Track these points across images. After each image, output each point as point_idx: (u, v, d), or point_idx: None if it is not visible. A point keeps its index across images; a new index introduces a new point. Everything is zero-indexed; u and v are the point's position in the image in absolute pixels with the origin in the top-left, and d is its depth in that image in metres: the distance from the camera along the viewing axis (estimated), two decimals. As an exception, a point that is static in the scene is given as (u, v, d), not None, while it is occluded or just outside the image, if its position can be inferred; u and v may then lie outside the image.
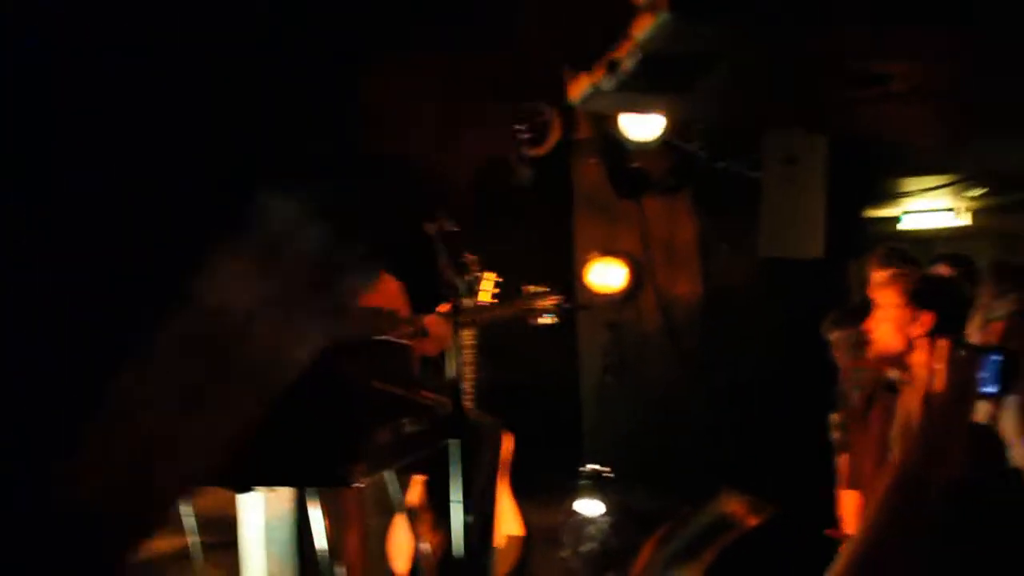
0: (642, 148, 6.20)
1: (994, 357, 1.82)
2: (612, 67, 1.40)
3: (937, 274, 3.96)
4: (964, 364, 1.81)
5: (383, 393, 2.62)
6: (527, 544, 4.74)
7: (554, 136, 6.25)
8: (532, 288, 4.32)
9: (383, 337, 2.77)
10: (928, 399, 1.83)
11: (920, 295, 3.43)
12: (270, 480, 2.55)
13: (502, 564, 4.52)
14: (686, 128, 6.33)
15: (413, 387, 2.86)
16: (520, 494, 4.86)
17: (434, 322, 3.79)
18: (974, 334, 2.08)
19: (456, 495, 3.06)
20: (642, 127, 6.09)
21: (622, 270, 6.66)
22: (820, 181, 5.65)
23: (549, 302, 4.33)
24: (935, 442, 1.81)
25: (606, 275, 6.65)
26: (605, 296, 6.67)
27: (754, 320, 6.51)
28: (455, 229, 3.31)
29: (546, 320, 4.33)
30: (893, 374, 4.36)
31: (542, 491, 5.27)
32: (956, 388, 1.81)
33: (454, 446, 3.00)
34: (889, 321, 3.53)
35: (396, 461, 2.75)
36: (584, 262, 6.67)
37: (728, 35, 1.45)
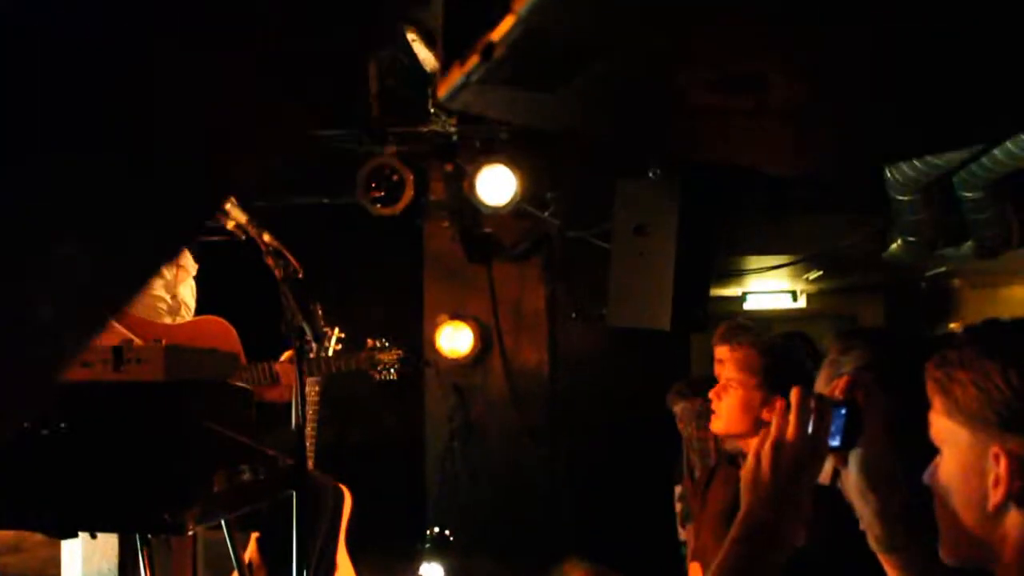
0: (495, 212, 6.23)
1: (840, 410, 1.83)
2: (487, 52, 1.34)
3: (787, 349, 3.96)
4: (815, 414, 1.81)
5: (220, 437, 2.49)
6: (364, 609, 4.59)
7: (407, 196, 6.22)
8: (375, 342, 4.26)
9: (220, 379, 2.65)
10: (779, 447, 1.82)
11: (771, 379, 3.42)
12: (95, 524, 2.39)
13: (337, 629, 4.36)
14: (540, 195, 6.40)
15: (251, 434, 2.74)
16: (359, 557, 4.72)
17: (285, 369, 3.70)
18: (821, 389, 2.09)
19: (294, 551, 2.92)
20: (496, 191, 6.13)
21: (470, 334, 6.63)
22: (669, 252, 5.73)
23: (392, 355, 4.27)
24: (786, 492, 1.80)
25: (454, 339, 6.61)
26: (453, 360, 6.62)
27: (601, 389, 6.55)
28: (300, 276, 3.21)
29: (389, 375, 4.27)
30: (734, 446, 4.42)
31: (382, 554, 5.13)
32: (807, 438, 1.81)
33: (294, 499, 2.87)
34: (735, 400, 3.50)
35: (231, 510, 2.62)
36: (433, 325, 6.61)
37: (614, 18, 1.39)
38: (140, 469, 2.32)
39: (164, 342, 2.47)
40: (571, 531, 6.15)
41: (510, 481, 6.42)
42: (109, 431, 2.35)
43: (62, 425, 2.34)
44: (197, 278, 3.82)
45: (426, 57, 5.45)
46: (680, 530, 6.04)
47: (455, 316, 6.62)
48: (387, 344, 4.29)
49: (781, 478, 1.80)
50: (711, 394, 3.65)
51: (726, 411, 3.46)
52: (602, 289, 6.05)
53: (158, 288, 3.52)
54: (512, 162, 6.14)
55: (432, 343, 6.57)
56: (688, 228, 5.79)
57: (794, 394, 1.84)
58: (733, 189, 6.22)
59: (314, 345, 3.62)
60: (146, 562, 2.60)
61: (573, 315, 6.67)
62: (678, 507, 6.11)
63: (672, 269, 5.72)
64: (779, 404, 1.86)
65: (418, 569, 5.42)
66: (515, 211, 6.35)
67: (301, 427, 2.90)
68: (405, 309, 6.59)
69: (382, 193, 6.22)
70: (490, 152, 6.22)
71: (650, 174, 5.99)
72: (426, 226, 6.80)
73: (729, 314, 8.74)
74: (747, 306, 9.82)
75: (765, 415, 3.35)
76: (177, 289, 3.64)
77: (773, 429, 1.83)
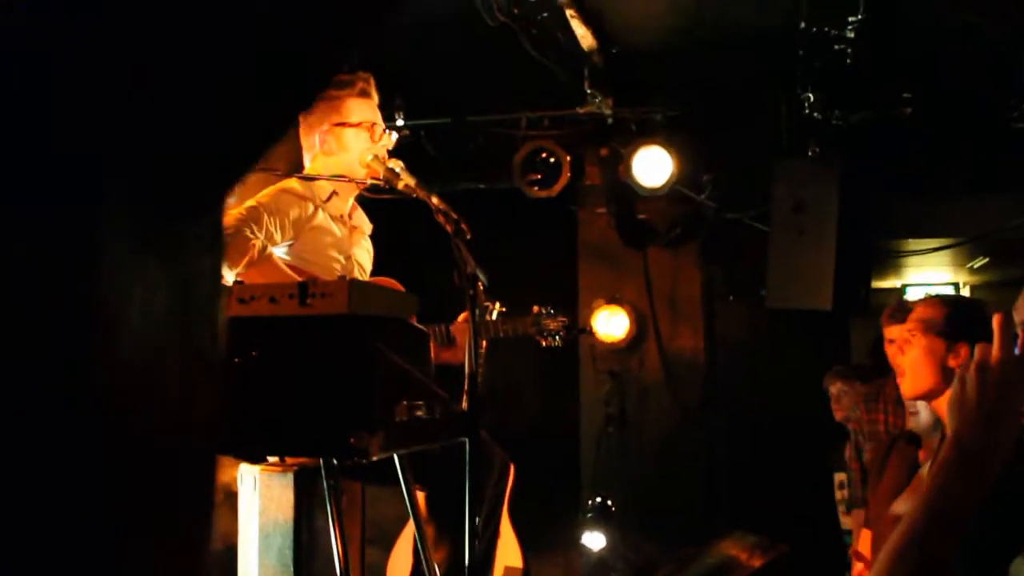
0: (651, 195, 6.20)
1: None
2: None
3: (964, 299, 3.86)
4: (1016, 342, 1.76)
5: (400, 370, 2.52)
6: (526, 576, 4.60)
7: (563, 180, 6.24)
8: (540, 308, 4.28)
9: (400, 317, 2.69)
10: (984, 368, 1.76)
11: (954, 326, 3.33)
12: (284, 449, 2.45)
13: (501, 595, 4.37)
14: (695, 177, 6.34)
15: (428, 374, 2.77)
16: (520, 529, 4.74)
17: (460, 330, 3.75)
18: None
19: (465, 503, 2.94)
20: (652, 173, 6.10)
21: (626, 319, 6.61)
22: (830, 231, 5.62)
23: (557, 323, 4.28)
24: (993, 413, 1.74)
25: (610, 323, 6.59)
26: (608, 345, 6.60)
27: (758, 374, 6.44)
28: (469, 236, 3.24)
29: (553, 341, 4.28)
30: (912, 423, 4.29)
31: (542, 526, 5.14)
32: (1013, 359, 1.75)
33: (466, 446, 2.89)
34: (919, 359, 3.40)
35: (410, 444, 2.65)
36: (588, 309, 6.60)
37: None
38: (326, 397, 2.37)
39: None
40: (728, 514, 6.05)
41: (666, 466, 6.36)
42: (296, 361, 2.41)
43: (253, 354, 2.40)
44: (373, 238, 3.89)
45: (583, 35, 5.46)
46: (842, 519, 5.90)
47: (611, 301, 6.60)
48: (552, 311, 4.29)
49: (988, 399, 1.74)
50: (892, 350, 3.56)
51: (910, 365, 3.36)
52: (759, 271, 5.96)
53: (331, 248, 3.58)
54: (668, 144, 6.10)
55: (588, 325, 6.56)
56: (849, 206, 5.68)
57: (996, 319, 1.78)
58: (894, 167, 6.06)
59: (487, 303, 3.65)
60: (333, 503, 2.64)
61: (730, 298, 6.59)
62: (839, 495, 5.96)
63: (833, 248, 5.61)
64: (977, 344, 1.79)
65: (580, 539, 5.41)
66: (670, 195, 6.31)
67: (475, 375, 2.92)
68: (560, 294, 6.58)
69: (538, 176, 6.26)
70: (646, 135, 6.19)
71: (809, 152, 5.89)
72: (581, 211, 6.80)
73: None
74: (907, 299, 9.53)
75: (951, 362, 3.25)
76: (352, 250, 3.70)
77: (977, 353, 1.78)
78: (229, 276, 3.16)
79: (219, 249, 0.82)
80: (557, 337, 4.28)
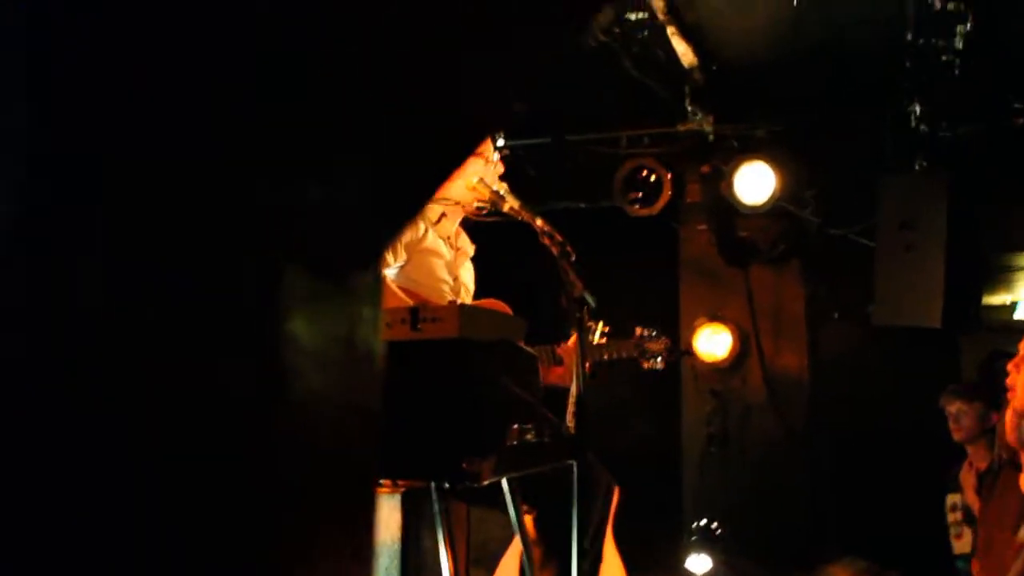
0: (753, 211, 6.15)
1: None
2: None
3: None
4: None
5: (511, 394, 2.54)
6: (631, 599, 4.57)
7: (664, 196, 6.23)
8: (643, 330, 4.27)
9: (510, 340, 2.71)
10: None
11: None
12: (398, 473, 2.48)
13: (606, 617, 4.35)
14: (799, 193, 6.27)
15: (537, 398, 2.78)
16: (624, 551, 4.71)
17: (567, 352, 3.76)
18: None
19: (572, 523, 2.94)
20: (754, 189, 6.05)
21: (728, 337, 6.55)
22: (939, 247, 5.51)
23: (660, 344, 4.26)
24: None
25: (712, 341, 6.55)
26: (710, 364, 6.55)
27: (864, 393, 6.32)
28: (574, 257, 3.25)
29: (656, 364, 4.26)
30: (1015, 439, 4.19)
31: (645, 549, 5.11)
32: None
33: (574, 470, 2.90)
34: None
35: (520, 468, 2.66)
36: (689, 328, 6.56)
37: None
38: (437, 422, 2.39)
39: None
40: (835, 537, 5.95)
41: (770, 486, 6.28)
42: (408, 386, 2.44)
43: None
44: (475, 261, 3.92)
45: (684, 52, 5.45)
46: (954, 542, 5.76)
47: (713, 319, 6.55)
48: (655, 333, 4.28)
49: None
50: (1010, 366, 3.50)
51: (1022, 384, 3.30)
52: (865, 289, 5.88)
53: (441, 270, 3.61)
54: (770, 159, 6.05)
55: (689, 346, 6.51)
56: (958, 221, 5.57)
57: None
58: (1004, 178, 5.92)
59: (591, 324, 3.65)
60: (444, 527, 2.66)
61: (835, 316, 6.49)
62: (951, 517, 5.82)
63: (942, 264, 5.50)
64: None
65: (684, 562, 5.36)
66: (772, 211, 6.25)
67: (582, 398, 2.92)
68: (661, 312, 6.56)
69: (639, 195, 6.26)
70: (747, 151, 6.15)
71: (916, 166, 5.79)
72: (682, 229, 6.77)
73: (998, 323, 8.30)
74: (1018, 315, 9.28)
75: None
76: (458, 271, 3.73)
77: None
78: None
79: (379, 299, 0.85)
80: (659, 359, 4.25)
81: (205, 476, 0.71)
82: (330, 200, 0.75)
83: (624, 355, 4.17)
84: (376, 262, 0.90)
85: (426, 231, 3.60)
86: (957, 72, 5.28)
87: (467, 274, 3.82)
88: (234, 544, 0.74)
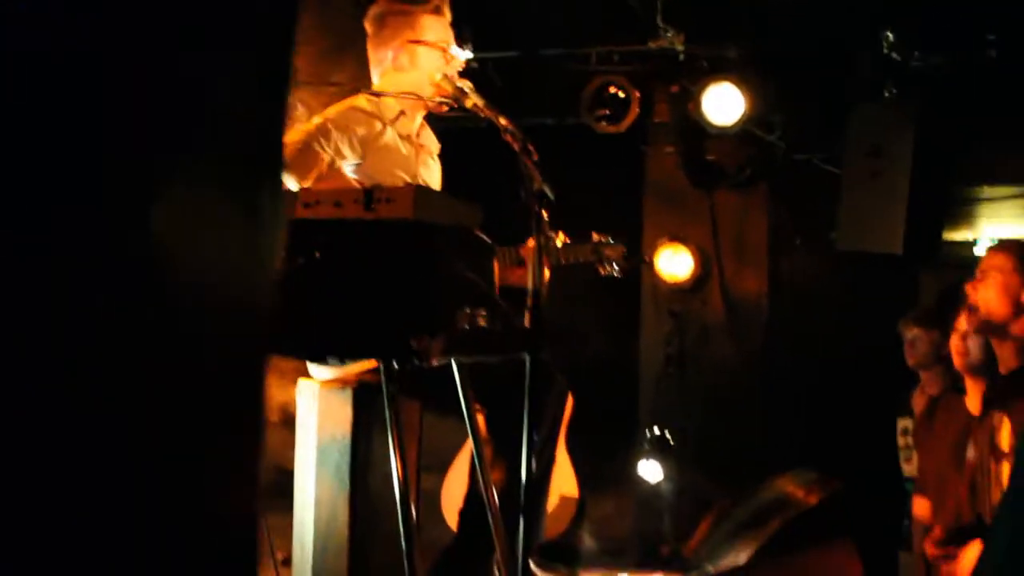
0: (721, 132, 6.11)
1: None
2: None
3: None
4: None
5: (463, 278, 2.53)
6: (580, 506, 4.62)
7: (632, 114, 6.17)
8: (600, 236, 4.26)
9: (465, 226, 2.69)
10: None
11: None
12: (344, 351, 2.47)
13: (556, 523, 4.40)
14: (767, 117, 6.23)
15: (491, 285, 2.77)
16: (576, 462, 4.75)
17: (530, 252, 3.75)
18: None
19: (524, 421, 2.93)
20: (723, 111, 6.01)
21: (690, 259, 6.56)
22: (904, 175, 5.52)
23: (617, 251, 4.26)
24: None
25: (673, 262, 6.55)
26: (671, 284, 6.56)
27: (823, 320, 6.37)
28: (536, 157, 3.22)
29: (612, 270, 4.26)
30: (961, 363, 4.25)
31: (597, 455, 5.16)
32: None
33: (527, 364, 2.89)
34: (996, 287, 3.40)
35: (470, 352, 2.66)
36: (652, 248, 6.56)
37: None
38: (387, 300, 2.38)
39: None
40: (787, 457, 6.02)
41: (725, 408, 6.33)
42: (359, 265, 2.43)
43: (316, 255, 2.41)
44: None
45: (657, -35, 5.37)
46: (904, 465, 5.84)
47: (675, 239, 6.55)
48: (611, 240, 4.27)
49: None
50: (968, 287, 3.53)
51: (987, 300, 3.34)
52: (828, 216, 5.89)
53: (398, 167, 3.58)
54: (740, 81, 6.00)
55: (650, 266, 6.52)
56: (925, 151, 5.57)
57: None
58: (974, 112, 5.92)
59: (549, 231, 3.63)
60: (392, 412, 2.65)
61: (797, 242, 6.51)
62: (901, 441, 5.90)
63: (907, 192, 5.52)
64: None
65: (635, 471, 5.42)
66: (739, 136, 6.21)
67: (538, 291, 2.90)
68: (625, 232, 6.53)
69: (607, 112, 6.20)
70: (717, 72, 6.09)
71: (885, 94, 5.77)
72: (649, 149, 6.74)
73: (958, 259, 8.35)
74: (978, 252, 9.35)
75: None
76: (418, 169, 3.70)
77: None
78: (295, 189, 3.17)
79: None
80: (615, 265, 4.25)
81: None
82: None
83: (581, 259, 4.16)
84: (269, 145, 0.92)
85: (383, 128, 3.57)
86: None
87: (429, 172, 3.79)
88: (117, 441, 0.74)
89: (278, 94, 0.97)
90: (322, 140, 3.36)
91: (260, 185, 0.93)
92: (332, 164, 3.34)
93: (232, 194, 0.90)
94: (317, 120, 3.46)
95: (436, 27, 3.74)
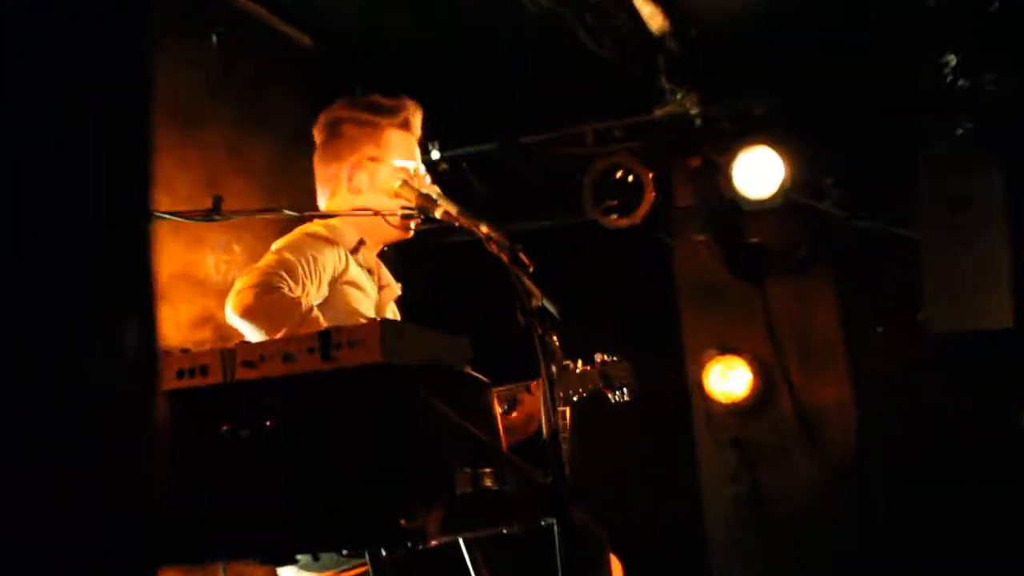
0: (760, 209, 6.12)
1: None
2: None
3: None
4: None
5: (456, 427, 2.47)
6: None
7: (647, 200, 6.18)
8: (604, 356, 4.28)
9: (450, 364, 2.64)
10: None
11: None
12: (317, 543, 2.38)
13: None
14: (815, 180, 6.24)
15: (495, 435, 2.71)
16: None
17: (535, 391, 3.74)
18: None
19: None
20: (758, 181, 6.02)
21: (746, 372, 6.51)
22: (1000, 227, 5.51)
23: (623, 369, 4.28)
24: None
25: (728, 379, 6.50)
26: (727, 406, 6.50)
27: (921, 420, 6.27)
28: (531, 269, 3.20)
29: (622, 396, 4.28)
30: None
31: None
32: None
33: (555, 530, 2.81)
34: None
35: (479, 525, 2.58)
36: (697, 363, 6.51)
37: None
38: (364, 469, 2.31)
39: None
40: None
41: (815, 547, 6.21)
42: (323, 429, 2.36)
43: (267, 424, 2.36)
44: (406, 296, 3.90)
45: (651, 13, 5.44)
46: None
47: (725, 350, 6.51)
48: (616, 358, 4.31)
49: None
50: None
51: None
52: (911, 292, 5.84)
53: (363, 303, 3.57)
54: (775, 141, 6.02)
55: (700, 387, 6.46)
56: (1020, 194, 5.57)
57: None
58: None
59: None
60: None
61: (877, 329, 6.45)
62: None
63: (1007, 248, 5.50)
64: None
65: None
66: (785, 207, 6.21)
67: (556, 433, 2.84)
68: (659, 346, 6.52)
69: (615, 202, 6.22)
70: (745, 134, 6.12)
71: (959, 131, 5.78)
72: (675, 241, 6.74)
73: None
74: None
75: None
76: (383, 311, 3.71)
77: None
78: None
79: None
80: (625, 390, 4.28)
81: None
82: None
83: (590, 387, 4.17)
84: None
85: (347, 262, 3.57)
86: (997, 5, 5.29)
87: (391, 315, 3.79)
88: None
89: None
90: (286, 277, 3.29)
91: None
92: (311, 311, 3.28)
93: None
94: (271, 255, 3.43)
95: (403, 146, 3.80)
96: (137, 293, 0.99)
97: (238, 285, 3.26)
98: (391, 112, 3.79)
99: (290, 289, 3.28)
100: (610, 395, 4.29)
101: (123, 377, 0.98)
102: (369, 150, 3.74)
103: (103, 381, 0.96)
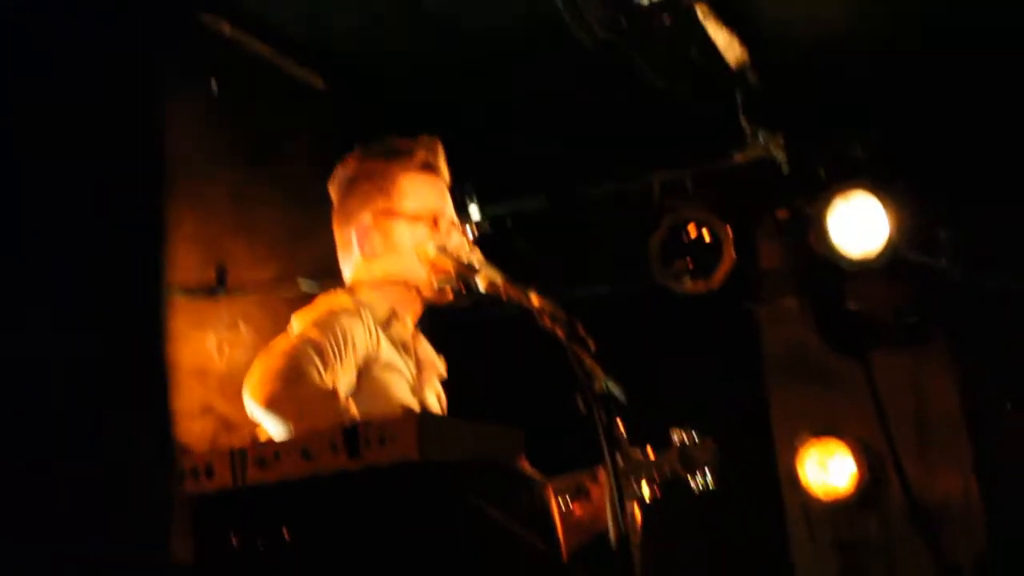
0: (862, 268, 6.10)
1: None
2: None
3: None
4: None
5: (513, 539, 2.48)
6: None
7: (725, 265, 6.18)
8: (681, 433, 4.23)
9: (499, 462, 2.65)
10: None
11: None
12: None
13: None
14: (928, 233, 6.21)
15: (552, 544, 2.72)
16: None
17: (602, 479, 3.72)
18: None
19: None
20: (859, 235, 6.00)
21: (849, 461, 6.47)
22: None
23: (706, 450, 4.25)
24: None
25: (828, 470, 6.47)
26: (828, 502, 6.46)
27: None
28: (592, 347, 3.22)
29: (706, 483, 4.24)
30: None
31: None
32: None
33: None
34: None
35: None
36: (789, 450, 6.48)
37: None
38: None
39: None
40: None
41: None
42: (350, 539, 2.38)
43: (284, 535, 2.38)
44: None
45: (727, 43, 5.46)
46: None
47: (822, 434, 6.48)
48: (696, 436, 4.25)
49: None
50: None
51: None
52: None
53: (401, 389, 3.52)
54: (879, 188, 6.01)
55: (793, 478, 6.43)
56: None
57: None
58: None
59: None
60: None
61: (1007, 408, 6.41)
62: None
63: None
64: None
65: None
66: (892, 267, 6.17)
67: (626, 539, 2.85)
68: (744, 431, 6.49)
69: (688, 264, 6.22)
70: (842, 179, 6.12)
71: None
72: (761, 309, 6.72)
73: None
74: None
75: None
76: (424, 394, 3.67)
77: None
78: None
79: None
80: (708, 474, 4.24)
81: None
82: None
83: (667, 473, 4.14)
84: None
85: (379, 339, 3.50)
86: None
87: (434, 398, 3.75)
88: None
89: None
90: (316, 360, 3.22)
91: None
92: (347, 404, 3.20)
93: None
94: (296, 333, 3.39)
95: (422, 190, 3.73)
96: (154, 387, 1.03)
97: (258, 371, 3.19)
98: (405, 154, 3.74)
99: (320, 375, 3.20)
100: (692, 481, 4.25)
101: (139, 483, 1.01)
102: (379, 202, 3.68)
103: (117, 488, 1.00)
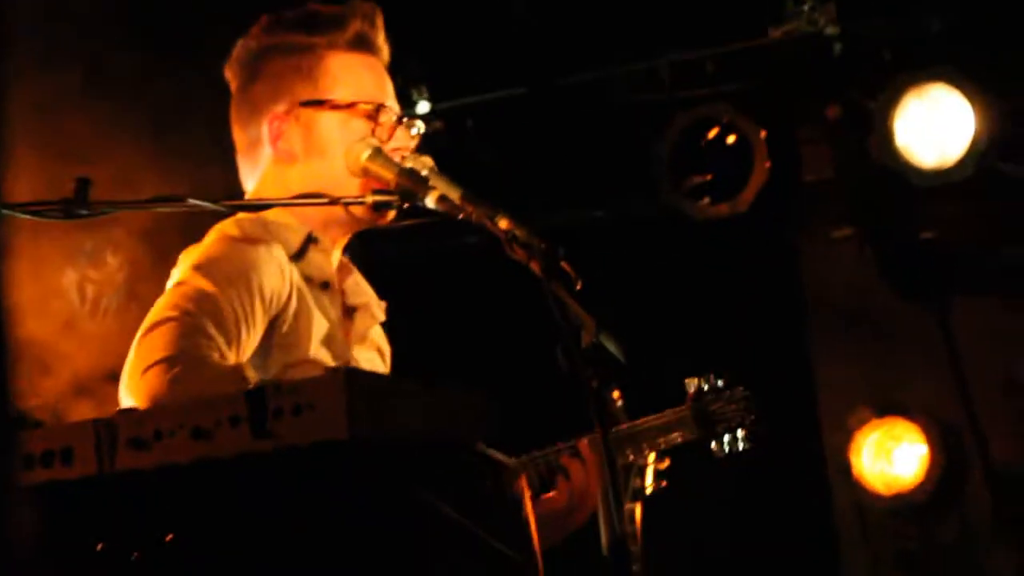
0: (940, 184, 6.12)
1: None
2: None
3: None
4: None
5: (472, 540, 2.50)
6: None
7: (757, 179, 6.20)
8: (701, 381, 4.31)
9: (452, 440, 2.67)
10: None
11: None
12: None
13: None
14: (1018, 140, 6.24)
15: (527, 547, 2.74)
16: None
17: (586, 452, 3.76)
18: None
19: None
20: (935, 139, 6.02)
21: (919, 445, 6.52)
22: None
23: (737, 405, 4.33)
24: None
25: (890, 455, 6.52)
26: (890, 497, 6.52)
27: None
28: (578, 285, 3.23)
29: (735, 445, 4.28)
30: None
31: None
32: None
33: None
34: None
35: None
36: (839, 428, 6.54)
37: None
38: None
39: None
40: None
41: None
42: (251, 542, 2.40)
43: (166, 540, 2.39)
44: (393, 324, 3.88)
45: None
46: None
47: (885, 410, 6.53)
48: (721, 385, 4.35)
49: None
50: None
51: None
52: None
53: (320, 348, 3.53)
54: (961, 79, 6.03)
55: (844, 468, 6.48)
56: None
57: None
58: None
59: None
60: None
61: None
62: None
63: None
64: None
65: None
66: (979, 179, 6.21)
67: (620, 534, 2.88)
68: (779, 407, 6.52)
69: (707, 177, 6.25)
70: (912, 67, 6.14)
71: None
72: (804, 236, 6.75)
73: None
74: None
75: None
76: (353, 348, 3.68)
77: None
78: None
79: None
80: (739, 433, 4.28)
81: None
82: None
83: (679, 438, 4.17)
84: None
85: (290, 276, 3.49)
86: None
87: (370, 354, 3.77)
88: None
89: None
90: (213, 331, 3.19)
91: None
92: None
93: None
94: (183, 284, 3.38)
95: (356, 73, 3.72)
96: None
97: (138, 360, 3.17)
98: (333, 23, 3.70)
99: (221, 352, 3.19)
100: (715, 446, 4.29)
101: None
102: (300, 90, 3.66)
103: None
